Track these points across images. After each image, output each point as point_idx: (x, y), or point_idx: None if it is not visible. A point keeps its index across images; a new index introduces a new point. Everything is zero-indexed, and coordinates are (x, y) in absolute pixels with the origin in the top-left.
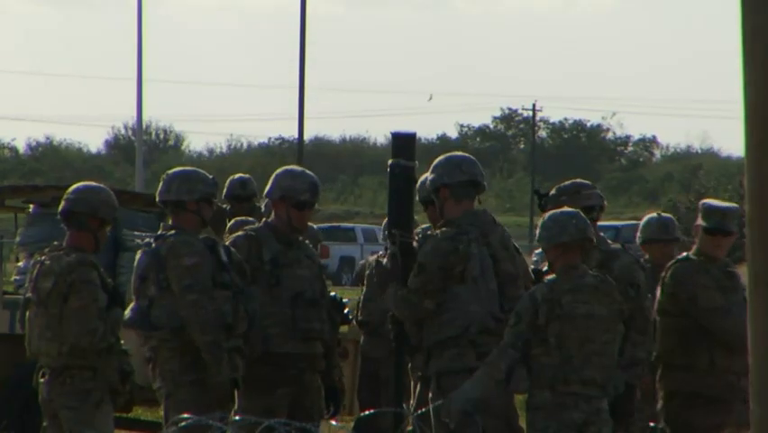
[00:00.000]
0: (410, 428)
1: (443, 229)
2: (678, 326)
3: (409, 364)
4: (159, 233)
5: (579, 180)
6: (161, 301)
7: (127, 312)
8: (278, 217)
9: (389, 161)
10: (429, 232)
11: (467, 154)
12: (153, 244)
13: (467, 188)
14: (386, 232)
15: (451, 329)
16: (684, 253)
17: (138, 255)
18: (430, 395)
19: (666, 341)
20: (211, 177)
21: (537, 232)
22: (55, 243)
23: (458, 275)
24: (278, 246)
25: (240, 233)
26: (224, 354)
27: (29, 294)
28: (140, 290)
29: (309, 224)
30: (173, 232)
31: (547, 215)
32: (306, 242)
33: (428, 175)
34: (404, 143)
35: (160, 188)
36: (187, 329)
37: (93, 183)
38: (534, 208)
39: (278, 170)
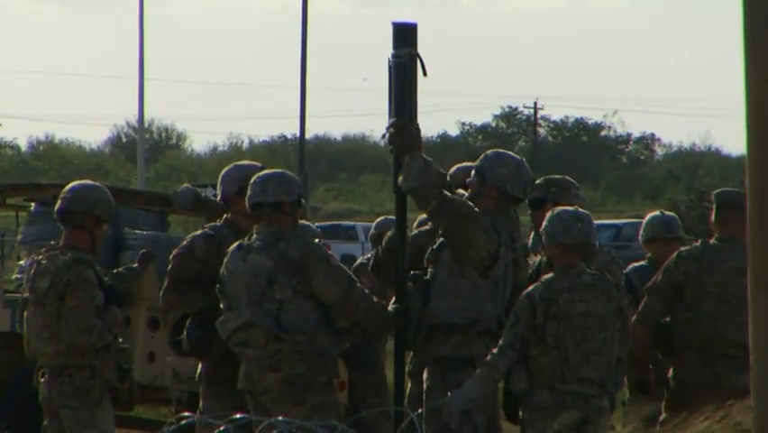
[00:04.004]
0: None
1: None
2: None
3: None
4: (259, 235)
5: (568, 178)
6: (292, 305)
7: (245, 315)
8: (236, 213)
9: (391, 53)
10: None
11: (529, 170)
12: (254, 245)
13: (511, 201)
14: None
15: (459, 317)
16: None
17: (235, 256)
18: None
19: None
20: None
21: (544, 224)
22: (51, 242)
23: (486, 266)
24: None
25: (198, 232)
26: None
27: (26, 294)
28: (265, 294)
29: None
30: (279, 234)
31: (557, 210)
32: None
33: (481, 163)
34: (405, 33)
35: (251, 191)
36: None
37: (88, 182)
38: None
39: (226, 168)
